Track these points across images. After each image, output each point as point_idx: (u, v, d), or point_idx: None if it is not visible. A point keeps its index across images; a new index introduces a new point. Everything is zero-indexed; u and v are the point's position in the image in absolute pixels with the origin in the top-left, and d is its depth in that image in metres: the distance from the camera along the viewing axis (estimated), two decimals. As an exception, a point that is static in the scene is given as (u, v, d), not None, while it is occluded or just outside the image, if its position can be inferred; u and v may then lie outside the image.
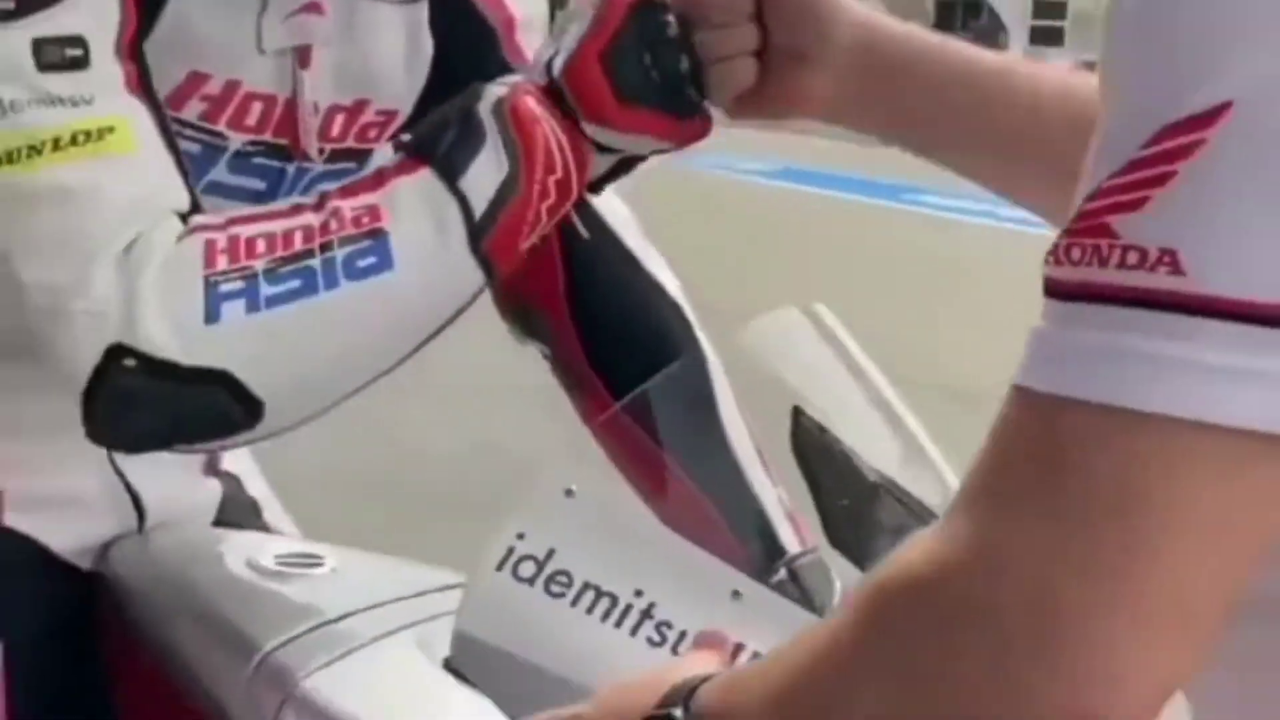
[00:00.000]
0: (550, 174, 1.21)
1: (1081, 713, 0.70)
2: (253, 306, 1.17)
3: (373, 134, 1.47)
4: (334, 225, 1.19)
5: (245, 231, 1.20)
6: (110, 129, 1.21)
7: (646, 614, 1.11)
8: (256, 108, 1.38)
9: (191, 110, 1.35)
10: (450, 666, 1.24)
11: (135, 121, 1.23)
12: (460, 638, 1.15)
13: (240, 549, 1.45)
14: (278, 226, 1.20)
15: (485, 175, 1.20)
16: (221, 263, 1.18)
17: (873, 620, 0.76)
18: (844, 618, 0.79)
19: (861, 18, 1.27)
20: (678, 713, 0.91)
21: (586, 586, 1.11)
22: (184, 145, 1.34)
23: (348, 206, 1.20)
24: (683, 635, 1.10)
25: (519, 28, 1.51)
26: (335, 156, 1.44)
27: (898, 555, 0.76)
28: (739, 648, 1.07)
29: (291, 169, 1.42)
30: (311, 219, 1.20)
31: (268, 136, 1.40)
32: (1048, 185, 1.04)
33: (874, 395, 1.32)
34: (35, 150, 1.20)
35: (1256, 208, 0.66)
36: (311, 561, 1.44)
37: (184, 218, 1.23)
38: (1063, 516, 0.70)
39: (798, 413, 1.29)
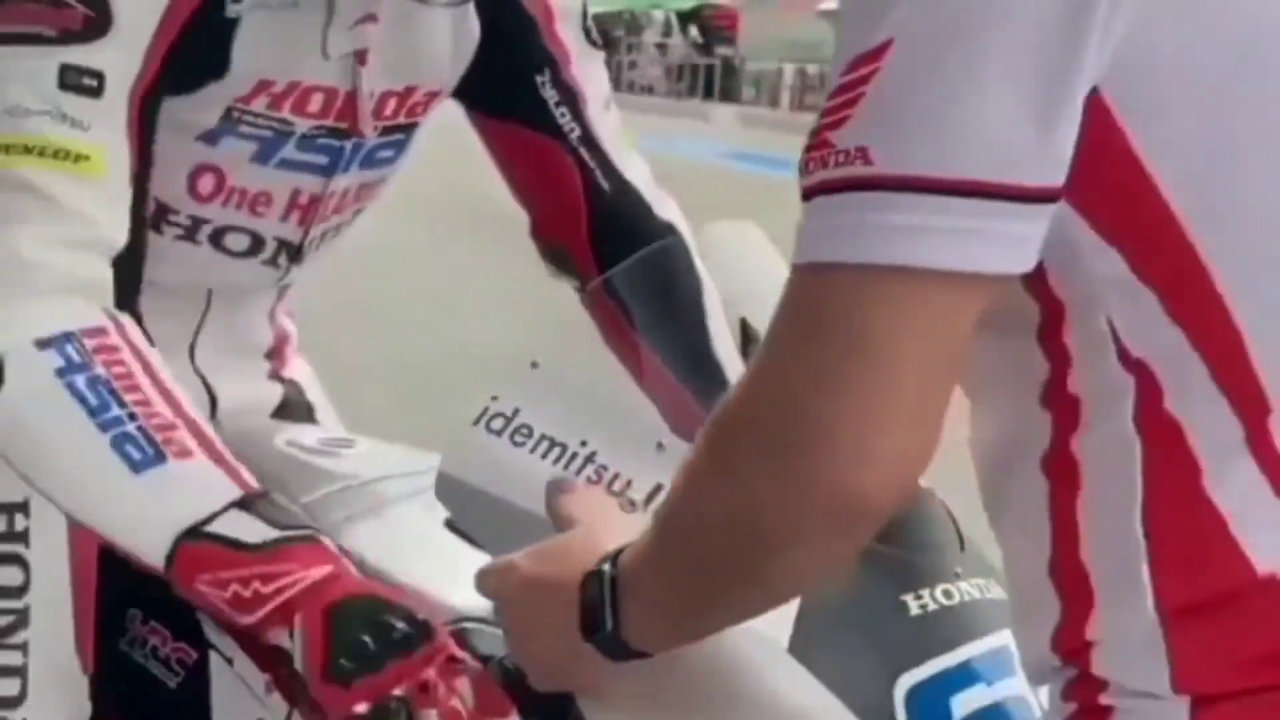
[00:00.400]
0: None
1: (845, 488, 0.97)
2: (64, 397, 1.37)
3: (419, 110, 1.74)
4: (169, 436, 1.38)
5: (127, 368, 1.41)
6: (88, 155, 1.44)
7: (589, 459, 1.39)
8: (318, 98, 1.63)
9: (259, 104, 1.59)
10: (450, 525, 1.53)
11: (113, 155, 1.47)
12: (444, 478, 1.42)
13: (287, 433, 1.71)
14: (159, 397, 1.41)
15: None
16: (89, 353, 1.39)
17: (705, 445, 1.05)
18: (690, 453, 1.07)
19: None
20: (606, 568, 1.16)
21: (543, 438, 1.40)
22: (256, 132, 1.61)
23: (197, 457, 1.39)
24: (615, 476, 1.38)
25: (557, 18, 1.77)
26: (387, 131, 1.69)
27: (722, 400, 1.04)
28: (659, 488, 1.40)
29: (349, 144, 1.68)
30: (180, 433, 1.39)
31: (330, 121, 1.65)
32: None
33: None
34: (25, 150, 1.43)
35: (914, 114, 0.93)
36: (346, 444, 1.70)
37: (124, 257, 1.47)
38: (811, 348, 0.98)
39: (744, 324, 1.61)
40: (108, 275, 1.47)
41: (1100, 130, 0.95)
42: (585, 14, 1.81)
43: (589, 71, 1.79)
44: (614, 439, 1.41)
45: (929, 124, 0.93)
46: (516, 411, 1.42)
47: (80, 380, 1.37)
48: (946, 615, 1.33)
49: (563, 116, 1.77)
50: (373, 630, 1.30)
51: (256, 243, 1.70)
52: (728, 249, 1.67)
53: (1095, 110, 0.95)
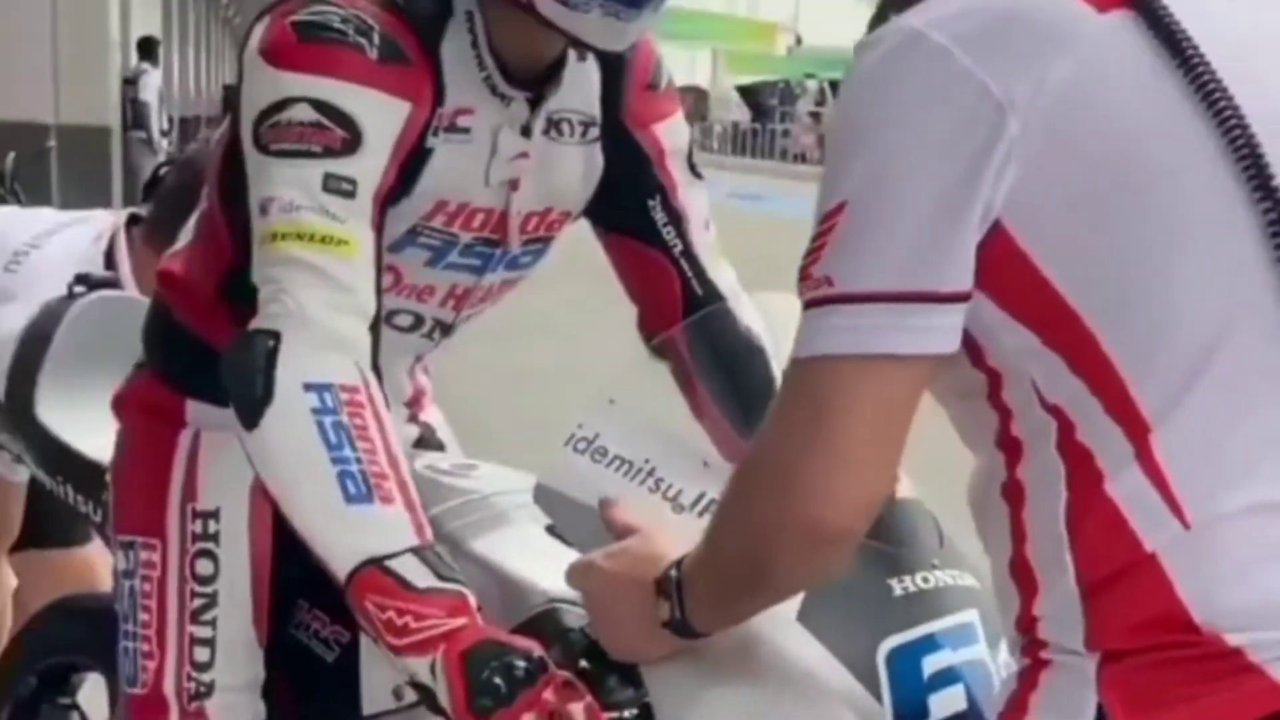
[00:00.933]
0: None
1: (815, 522, 1.34)
2: (312, 430, 1.67)
3: (555, 226, 2.07)
4: (387, 486, 1.67)
5: (366, 422, 1.69)
6: (346, 241, 1.75)
7: (650, 474, 1.73)
8: (480, 216, 1.97)
9: (437, 221, 1.94)
10: (549, 529, 1.88)
11: (363, 243, 1.77)
12: (539, 487, 1.78)
13: (424, 459, 2.12)
14: (381, 453, 1.69)
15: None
16: (342, 404, 1.69)
17: (727, 488, 1.44)
18: (720, 522, 1.46)
19: None
20: (674, 573, 1.53)
21: (615, 457, 1.75)
22: (430, 242, 1.95)
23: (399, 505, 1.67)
24: (670, 486, 1.73)
25: (667, 155, 2.09)
26: (528, 242, 2.04)
27: (750, 454, 1.41)
28: (702, 496, 1.73)
29: (499, 251, 2.02)
30: (389, 484, 1.68)
31: (486, 234, 1.99)
32: None
33: None
34: (300, 236, 1.74)
35: (861, 250, 1.30)
36: (469, 467, 2.12)
37: (374, 323, 1.77)
38: (791, 418, 1.36)
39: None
40: (365, 337, 1.76)
41: (1005, 246, 1.30)
42: (690, 151, 2.12)
43: (691, 197, 2.11)
44: (669, 459, 1.76)
45: (871, 256, 1.31)
46: (596, 436, 1.76)
47: (328, 422, 1.67)
48: (923, 596, 1.66)
49: (669, 234, 2.10)
50: (501, 671, 1.57)
51: (418, 321, 2.06)
52: (776, 314, 2.03)
53: (1000, 233, 1.29)
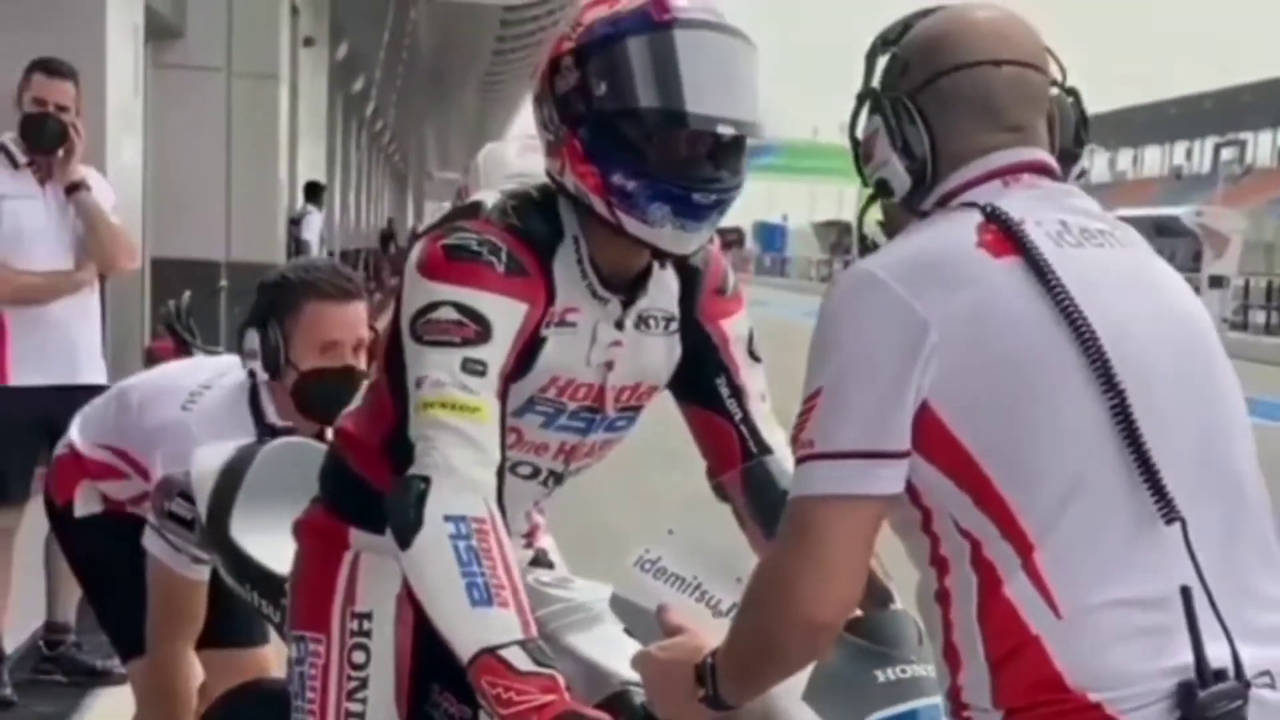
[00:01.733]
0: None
1: (809, 619, 1.86)
2: (449, 551, 2.18)
3: (644, 398, 2.58)
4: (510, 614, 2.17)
5: (489, 546, 2.18)
6: (477, 409, 2.26)
7: (698, 587, 2.25)
8: (583, 390, 2.47)
9: (550, 393, 2.45)
10: (625, 630, 2.44)
11: (492, 410, 2.28)
12: (614, 597, 2.31)
13: (535, 574, 2.64)
14: (500, 569, 2.18)
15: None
16: (473, 532, 2.19)
17: (746, 593, 1.95)
18: (740, 613, 1.98)
19: None
20: (709, 660, 2.03)
21: (673, 574, 2.26)
22: (544, 410, 2.46)
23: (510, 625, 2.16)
24: (711, 596, 2.27)
25: (730, 343, 2.60)
26: (622, 410, 2.54)
27: (757, 573, 1.94)
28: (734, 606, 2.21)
29: (599, 417, 2.52)
30: (505, 592, 2.16)
31: (589, 403, 2.49)
32: None
33: None
34: (444, 405, 2.25)
35: (833, 423, 1.84)
36: (569, 580, 2.66)
37: (500, 470, 2.27)
38: (789, 543, 1.89)
39: None
40: (493, 480, 2.26)
41: (930, 418, 1.84)
42: (750, 338, 2.62)
43: (750, 376, 2.61)
44: (713, 576, 2.27)
45: (842, 427, 1.86)
46: (659, 559, 2.27)
47: (462, 545, 2.18)
48: (902, 683, 2.18)
49: (731, 405, 2.59)
50: None
51: (535, 471, 2.56)
52: None
53: (926, 410, 1.83)
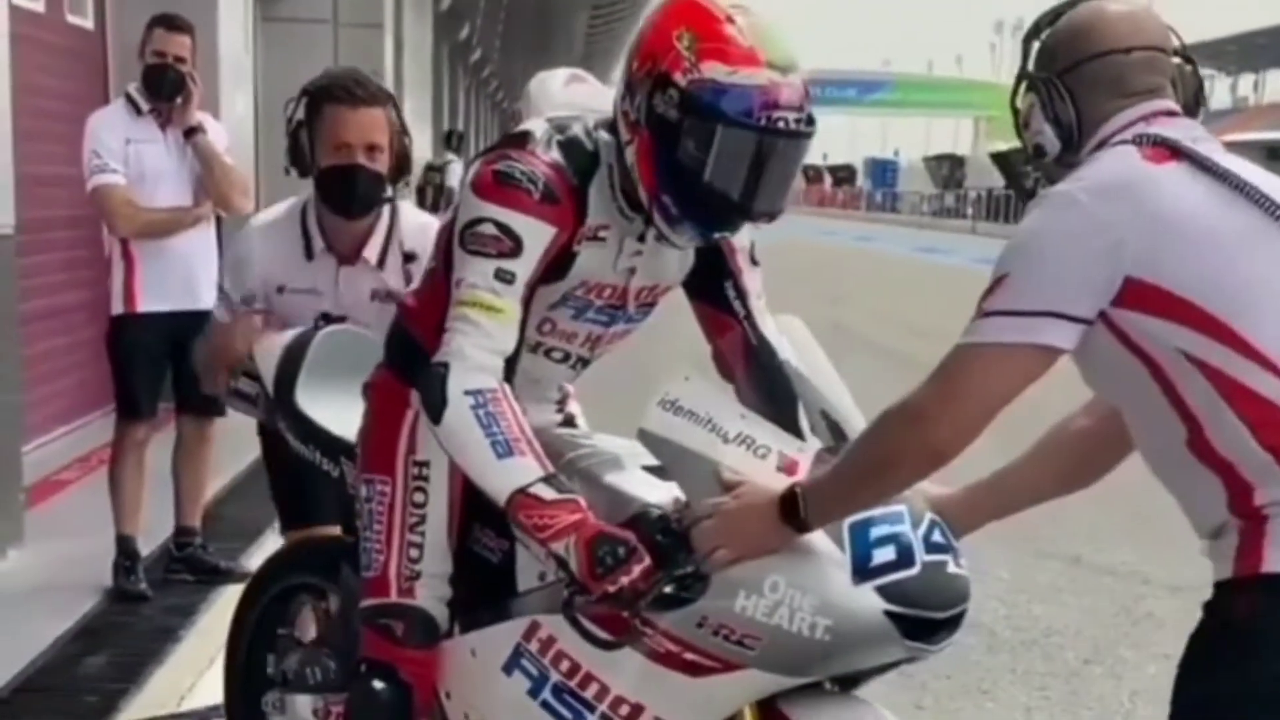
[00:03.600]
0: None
1: (936, 448, 2.33)
2: (472, 418, 2.65)
3: (660, 295, 3.01)
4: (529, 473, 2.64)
5: (503, 409, 2.65)
6: (501, 310, 2.71)
7: (710, 421, 2.63)
8: (608, 290, 2.91)
9: (580, 292, 2.88)
10: (644, 468, 2.83)
11: (511, 311, 2.72)
12: (642, 433, 2.68)
13: (566, 431, 3.10)
14: (514, 426, 2.65)
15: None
16: (488, 400, 2.66)
17: (883, 419, 2.40)
18: (873, 424, 2.44)
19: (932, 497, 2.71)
20: (798, 489, 2.51)
21: (690, 412, 2.64)
22: (575, 305, 2.89)
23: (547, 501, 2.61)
24: (725, 430, 2.64)
25: (735, 251, 2.98)
26: (640, 306, 2.98)
27: (898, 402, 2.37)
28: (781, 454, 2.64)
29: (621, 312, 2.96)
30: (522, 443, 2.64)
31: (613, 301, 2.94)
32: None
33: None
34: (475, 304, 2.70)
35: (1014, 292, 2.28)
36: (591, 434, 3.12)
37: (507, 359, 2.71)
38: (944, 380, 2.33)
39: (825, 414, 2.85)
40: (501, 365, 2.71)
41: (1142, 286, 2.26)
42: (752, 246, 3.00)
43: (751, 278, 3.00)
44: (721, 413, 2.68)
45: (1020, 295, 2.27)
46: (678, 399, 2.66)
47: (481, 413, 2.65)
48: None
49: (736, 305, 2.99)
50: (610, 552, 2.56)
51: (566, 356, 3.02)
52: (792, 328, 3.00)
53: (1137, 283, 2.25)
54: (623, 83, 2.75)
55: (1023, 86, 2.55)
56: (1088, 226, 2.28)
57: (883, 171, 79.55)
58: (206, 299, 5.80)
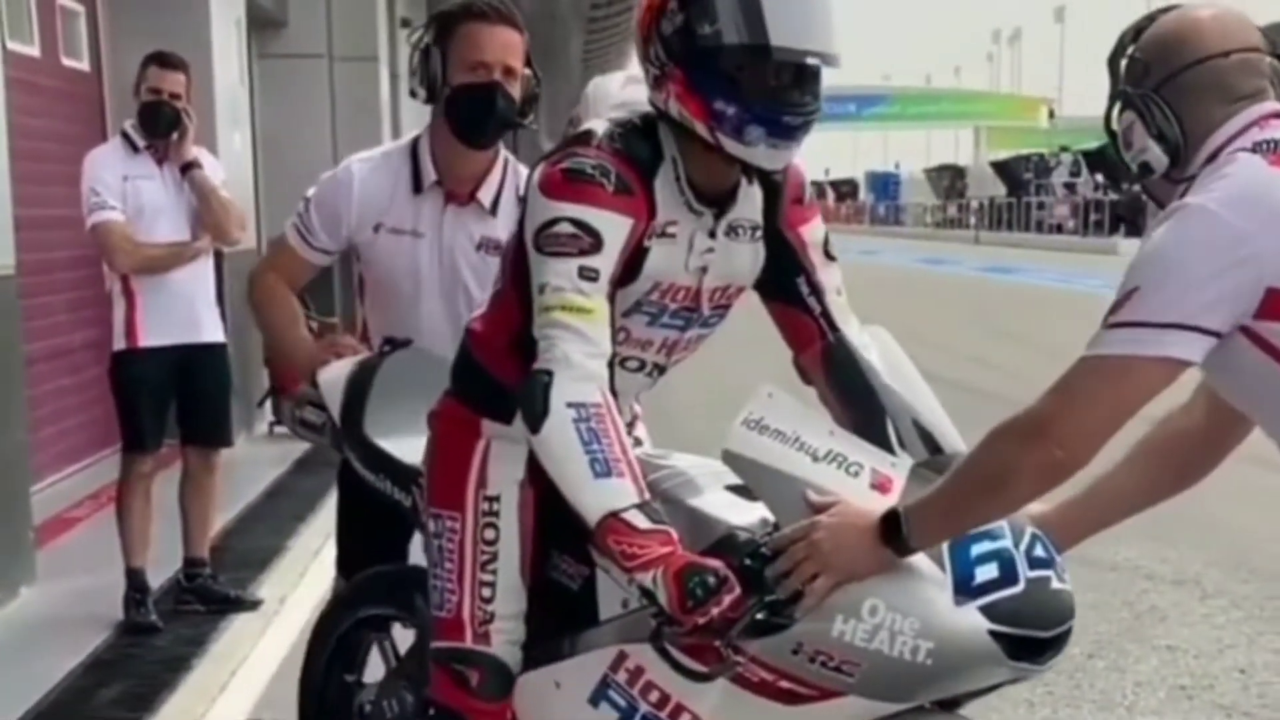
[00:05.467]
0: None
1: (1058, 461, 2.26)
2: (573, 432, 2.53)
3: (733, 297, 2.92)
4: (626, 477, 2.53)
5: (606, 426, 2.53)
6: (591, 310, 2.59)
7: (798, 439, 2.54)
8: (681, 293, 2.81)
9: (653, 295, 2.79)
10: (727, 488, 2.72)
11: (602, 310, 2.61)
12: (727, 454, 2.57)
13: (638, 450, 2.83)
14: (616, 445, 2.53)
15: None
16: (592, 415, 2.54)
17: (997, 433, 2.33)
18: (981, 443, 2.37)
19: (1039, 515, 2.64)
20: (900, 509, 2.42)
21: (776, 430, 2.54)
22: (649, 311, 2.79)
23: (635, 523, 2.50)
24: (814, 447, 2.54)
25: (808, 246, 2.91)
26: (715, 309, 2.88)
27: (1012, 416, 2.32)
28: (875, 471, 2.57)
29: (695, 315, 2.86)
30: (622, 464, 2.52)
31: (687, 303, 2.84)
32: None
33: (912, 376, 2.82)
34: (564, 308, 2.58)
35: (1145, 305, 2.24)
36: (666, 454, 2.97)
37: (610, 362, 2.59)
38: (1066, 392, 2.29)
39: (916, 423, 2.76)
40: (605, 371, 2.59)
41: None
42: (826, 240, 2.92)
43: (827, 274, 2.91)
44: (808, 429, 2.58)
45: (1151, 308, 2.24)
46: (762, 418, 2.55)
47: (583, 428, 2.52)
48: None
49: (811, 301, 2.90)
50: (700, 583, 2.44)
51: (641, 365, 2.90)
52: (880, 337, 2.90)
53: (1275, 294, 2.24)
54: (640, 55, 2.74)
55: (1117, 107, 2.48)
56: (1223, 238, 2.24)
57: (884, 184, 79.53)
58: (208, 332, 5.97)
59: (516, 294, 2.79)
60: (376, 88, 14.27)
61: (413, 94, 3.66)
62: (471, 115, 3.61)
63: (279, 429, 10.19)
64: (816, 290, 2.92)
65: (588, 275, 2.61)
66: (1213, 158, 2.37)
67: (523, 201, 2.77)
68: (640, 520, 2.51)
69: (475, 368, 2.96)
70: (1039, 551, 2.54)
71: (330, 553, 4.26)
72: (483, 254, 3.74)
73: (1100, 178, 45.47)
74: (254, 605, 6.06)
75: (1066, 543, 2.66)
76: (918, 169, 78.76)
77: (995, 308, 21.54)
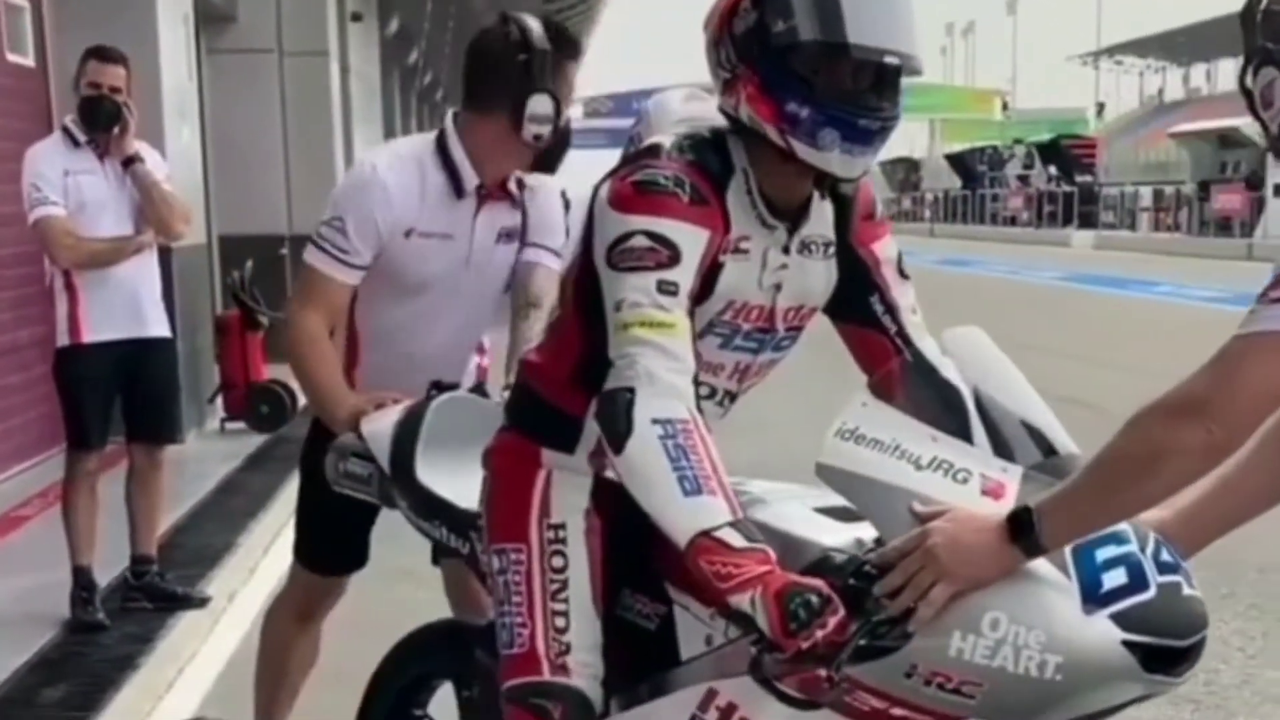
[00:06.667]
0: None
1: (1215, 440, 2.08)
2: (660, 450, 2.37)
3: (806, 318, 2.77)
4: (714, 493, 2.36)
5: (694, 442, 2.37)
6: (673, 325, 2.45)
7: (899, 448, 2.37)
8: (755, 312, 2.67)
9: (727, 315, 2.65)
10: (816, 510, 2.59)
11: (683, 325, 2.47)
12: (822, 468, 2.39)
13: None
14: (705, 462, 2.37)
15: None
16: (678, 431, 2.38)
17: (1143, 415, 2.12)
18: (1124, 428, 2.13)
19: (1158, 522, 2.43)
20: (1030, 506, 2.20)
21: (873, 440, 2.37)
22: (723, 331, 2.66)
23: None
24: (918, 455, 2.37)
25: (881, 264, 2.78)
26: (789, 330, 2.74)
27: (1158, 398, 2.11)
28: (984, 476, 2.37)
29: (769, 337, 2.73)
30: (713, 482, 2.35)
31: (761, 324, 2.70)
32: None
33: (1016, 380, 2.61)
34: (643, 324, 2.44)
35: None
36: (746, 480, 2.70)
37: (695, 378, 2.44)
38: (1221, 370, 2.09)
39: (976, 391, 2.58)
40: (690, 387, 2.45)
41: None
42: (899, 258, 2.80)
43: (901, 293, 2.79)
44: (907, 436, 2.41)
45: None
46: (857, 427, 2.40)
47: (670, 444, 2.37)
48: None
49: (886, 321, 2.77)
50: (803, 604, 2.26)
51: (712, 392, 2.74)
52: (963, 344, 2.72)
53: None
54: (711, 62, 2.65)
55: (1252, 65, 2.28)
56: None
57: (840, 178, 79.36)
58: (153, 327, 5.90)
59: (579, 320, 2.68)
60: (327, 82, 14.21)
61: (440, 132, 3.69)
62: (561, 155, 3.74)
63: (230, 425, 10.22)
64: (891, 309, 2.79)
65: (666, 289, 2.48)
66: None
67: (588, 221, 2.65)
68: (735, 539, 2.35)
69: (535, 399, 2.83)
70: (1165, 556, 2.35)
71: (281, 547, 4.23)
72: (501, 244, 3.74)
73: (1053, 170, 45.77)
74: (202, 603, 6.02)
75: (1191, 548, 2.50)
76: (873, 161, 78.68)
77: (949, 299, 21.64)
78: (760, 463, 2.93)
